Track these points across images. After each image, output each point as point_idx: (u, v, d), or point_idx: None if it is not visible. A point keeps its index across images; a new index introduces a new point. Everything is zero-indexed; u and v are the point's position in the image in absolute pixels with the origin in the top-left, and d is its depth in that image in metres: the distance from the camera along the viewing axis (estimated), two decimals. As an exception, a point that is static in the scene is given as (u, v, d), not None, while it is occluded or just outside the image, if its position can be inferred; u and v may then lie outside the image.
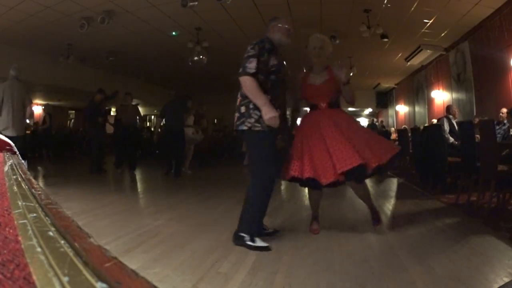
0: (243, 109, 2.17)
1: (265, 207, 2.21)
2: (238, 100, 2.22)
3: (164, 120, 6.08)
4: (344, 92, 2.45)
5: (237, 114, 2.21)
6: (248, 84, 2.10)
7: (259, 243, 2.08)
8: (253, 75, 2.09)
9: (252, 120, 2.13)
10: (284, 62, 2.37)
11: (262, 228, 2.35)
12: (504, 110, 4.72)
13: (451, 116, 4.85)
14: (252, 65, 2.10)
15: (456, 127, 4.57)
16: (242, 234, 2.11)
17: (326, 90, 2.44)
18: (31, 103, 4.72)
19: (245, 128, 2.16)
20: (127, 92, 6.37)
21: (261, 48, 2.15)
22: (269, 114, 2.06)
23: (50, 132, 10.04)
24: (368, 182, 3.18)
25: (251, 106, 2.14)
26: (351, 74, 8.48)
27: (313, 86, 2.47)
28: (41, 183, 4.50)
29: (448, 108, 5.00)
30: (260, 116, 2.11)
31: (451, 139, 4.61)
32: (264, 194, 2.17)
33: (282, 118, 2.28)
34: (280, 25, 2.33)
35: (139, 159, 8.62)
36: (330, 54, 2.53)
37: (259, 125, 2.12)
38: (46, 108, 10.29)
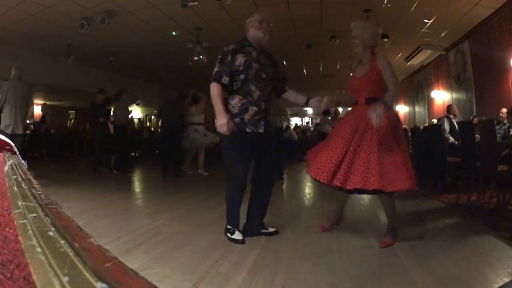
0: None
1: (237, 203, 2.28)
2: None
3: (161, 120, 6.09)
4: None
5: None
6: (211, 90, 2.20)
7: (235, 236, 2.21)
8: (215, 80, 2.18)
9: None
10: (285, 63, 2.37)
11: (262, 227, 2.36)
12: (504, 110, 4.71)
13: (451, 116, 4.85)
14: (214, 71, 2.20)
15: (457, 127, 4.57)
16: (228, 226, 2.26)
17: (365, 84, 2.20)
18: (33, 104, 4.76)
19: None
20: (126, 90, 6.32)
21: (224, 53, 2.22)
22: (217, 121, 2.16)
23: (50, 131, 10.04)
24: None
25: None
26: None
27: (355, 79, 2.28)
28: (41, 183, 4.50)
29: (449, 108, 5.00)
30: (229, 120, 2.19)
31: (451, 139, 4.60)
32: (236, 192, 2.26)
33: (263, 115, 2.26)
34: (251, 20, 2.32)
35: (139, 159, 8.61)
36: (368, 39, 2.23)
37: None
38: (44, 107, 10.31)
